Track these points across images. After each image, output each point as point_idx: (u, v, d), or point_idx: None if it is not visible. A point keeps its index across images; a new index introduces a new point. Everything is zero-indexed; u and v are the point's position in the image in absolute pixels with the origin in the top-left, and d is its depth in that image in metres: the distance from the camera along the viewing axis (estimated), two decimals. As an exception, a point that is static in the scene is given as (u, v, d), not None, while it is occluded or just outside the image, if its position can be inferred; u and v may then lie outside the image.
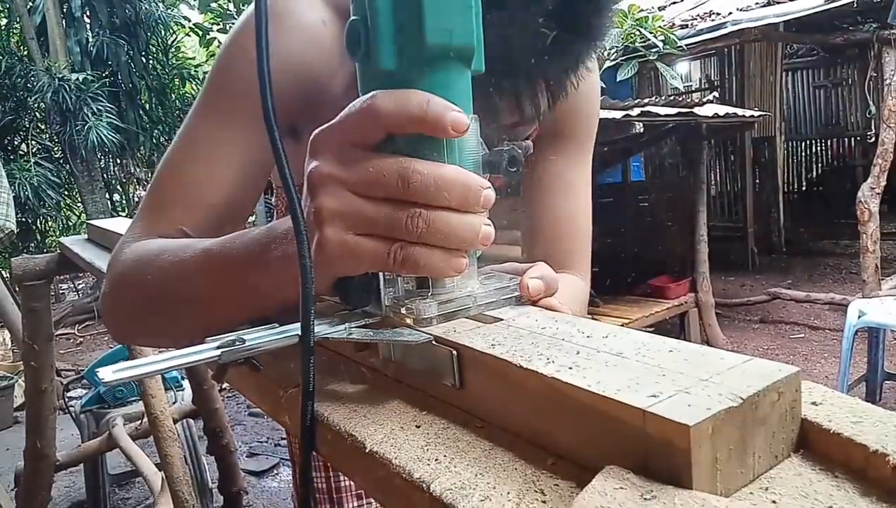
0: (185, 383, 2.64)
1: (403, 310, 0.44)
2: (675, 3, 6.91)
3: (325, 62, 0.69)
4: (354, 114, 0.41)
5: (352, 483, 1.00)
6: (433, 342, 0.40)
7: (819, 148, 9.24)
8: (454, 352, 0.39)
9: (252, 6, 0.58)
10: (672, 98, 4.18)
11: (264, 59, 0.43)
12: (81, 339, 6.41)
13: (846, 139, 8.84)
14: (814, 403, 0.32)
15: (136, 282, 0.63)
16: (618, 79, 5.09)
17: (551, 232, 0.86)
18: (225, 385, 3.70)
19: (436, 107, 0.39)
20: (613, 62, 4.97)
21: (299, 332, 0.41)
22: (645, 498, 0.26)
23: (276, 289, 0.50)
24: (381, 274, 0.44)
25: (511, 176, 0.44)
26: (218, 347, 0.40)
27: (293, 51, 0.67)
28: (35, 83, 7.52)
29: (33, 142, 8.08)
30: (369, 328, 0.44)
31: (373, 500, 0.99)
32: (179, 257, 0.58)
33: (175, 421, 2.03)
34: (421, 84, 0.41)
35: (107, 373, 0.38)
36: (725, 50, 7.27)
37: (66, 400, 2.95)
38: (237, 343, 0.41)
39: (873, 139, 5.64)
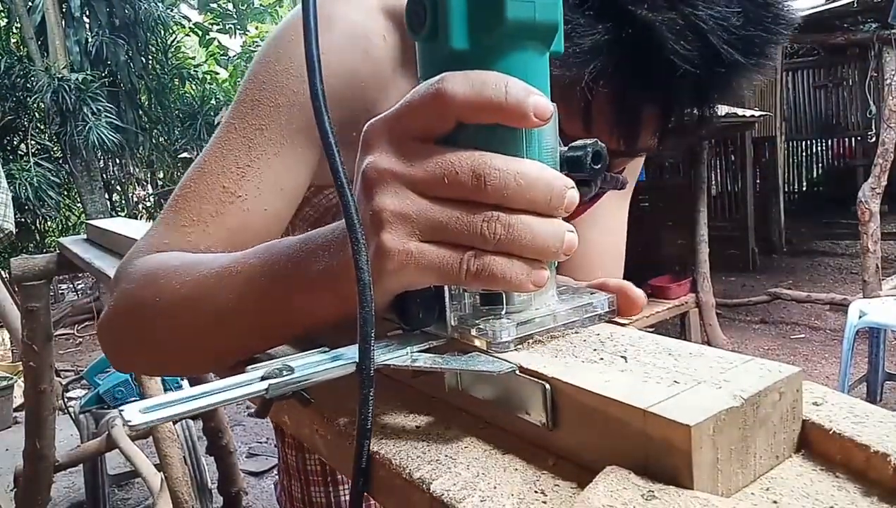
0: (185, 383, 2.64)
1: (474, 332, 0.37)
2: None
3: (377, 75, 0.64)
4: (420, 100, 0.35)
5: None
6: (517, 372, 0.34)
7: (819, 148, 9.24)
8: (547, 386, 0.32)
9: (297, 8, 0.53)
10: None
11: (312, 41, 0.37)
12: (81, 340, 6.41)
13: (847, 139, 8.85)
14: (815, 403, 0.32)
15: (144, 300, 0.55)
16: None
17: (591, 266, 0.81)
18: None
19: (517, 90, 0.33)
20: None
21: (355, 359, 0.35)
22: (646, 499, 0.26)
23: (314, 310, 0.44)
24: (447, 288, 0.38)
25: (595, 174, 0.38)
26: (262, 378, 0.34)
27: (344, 59, 0.62)
28: (34, 83, 7.53)
29: (32, 142, 8.08)
30: (433, 352, 0.38)
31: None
32: (195, 274, 0.51)
33: (174, 422, 2.03)
34: (497, 66, 0.35)
35: (133, 415, 0.31)
36: (725, 50, 7.26)
37: (66, 400, 2.95)
38: (284, 372, 0.35)
39: (874, 139, 5.65)
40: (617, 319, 0.44)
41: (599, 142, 0.38)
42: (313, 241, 0.43)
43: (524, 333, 0.37)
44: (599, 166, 0.38)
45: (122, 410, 0.32)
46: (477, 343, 0.37)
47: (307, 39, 0.37)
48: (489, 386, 0.36)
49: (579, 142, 0.38)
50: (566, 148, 0.38)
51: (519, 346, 0.37)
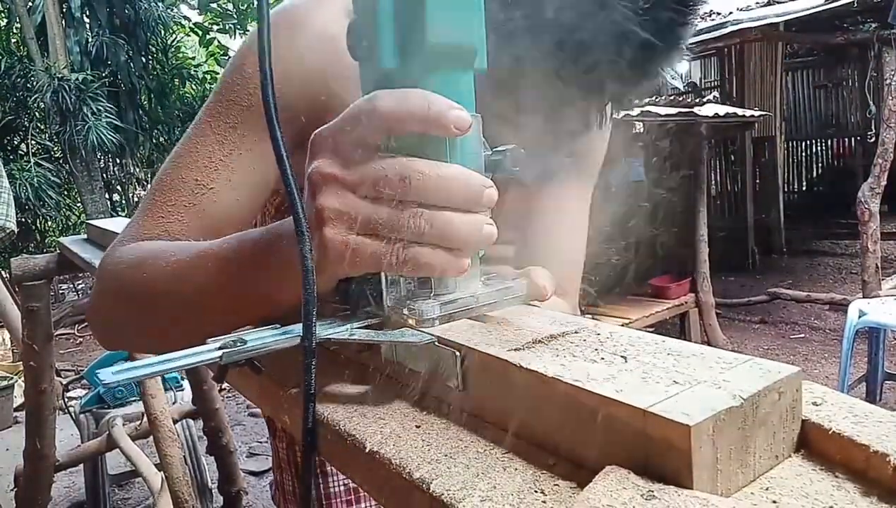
0: (185, 383, 2.64)
1: (406, 311, 0.43)
2: (675, 3, 6.89)
3: (345, 77, 0.67)
4: (356, 114, 0.40)
5: (341, 489, 0.98)
6: (436, 343, 0.40)
7: (819, 148, 9.25)
8: (457, 353, 0.38)
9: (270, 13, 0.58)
10: (672, 98, 4.18)
11: (266, 49, 0.43)
12: (81, 339, 6.41)
13: (846, 139, 8.85)
14: (814, 403, 0.32)
15: (128, 285, 0.61)
16: (618, 79, 5.09)
17: (547, 263, 0.83)
18: (225, 385, 3.70)
19: (438, 105, 0.39)
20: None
21: (301, 333, 0.41)
22: (645, 498, 0.26)
23: (276, 292, 0.50)
24: (383, 274, 0.44)
25: (514, 175, 0.44)
26: (219, 348, 0.40)
27: (312, 62, 0.67)
28: (35, 83, 7.52)
29: (33, 142, 8.08)
30: (372, 329, 0.44)
31: (363, 506, 0.96)
32: (175, 258, 0.57)
33: (175, 422, 2.03)
34: (423, 84, 0.41)
35: (107, 375, 0.37)
36: (726, 50, 7.27)
37: (66, 400, 2.95)
38: (238, 344, 0.40)
39: (873, 139, 5.65)
40: (616, 319, 0.45)
41: (518, 149, 0.44)
42: (275, 232, 0.49)
43: (448, 311, 0.43)
44: (518, 168, 0.44)
45: (98, 373, 0.38)
46: (409, 321, 0.43)
47: (261, 48, 0.43)
48: (418, 357, 0.42)
49: (501, 148, 0.45)
50: (490, 152, 0.45)
51: (522, 348, 0.37)
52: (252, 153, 0.67)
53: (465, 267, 0.42)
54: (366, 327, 0.44)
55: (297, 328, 0.42)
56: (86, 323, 6.77)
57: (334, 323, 0.44)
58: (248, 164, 0.67)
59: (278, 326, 0.43)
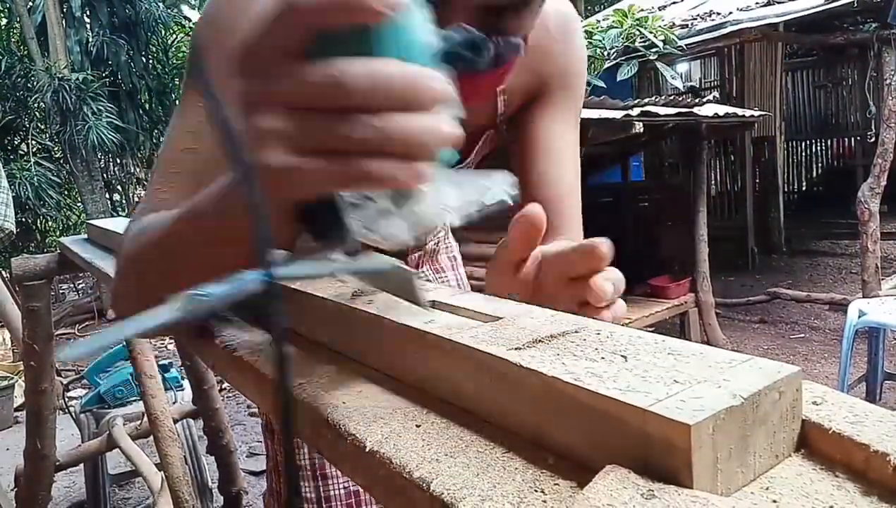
0: (185, 383, 2.64)
1: (373, 236, 0.39)
2: (675, 2, 6.91)
3: None
4: (270, 17, 0.35)
5: (341, 492, 0.95)
6: (401, 265, 0.39)
7: (819, 148, 9.25)
8: (418, 273, 0.38)
9: None
10: (672, 98, 4.18)
11: None
12: (82, 339, 6.40)
13: (846, 139, 8.85)
14: (814, 403, 0.32)
15: (136, 256, 0.64)
16: (618, 78, 5.09)
17: (548, 201, 0.82)
18: (225, 385, 3.70)
19: None
20: (613, 62, 4.97)
21: (257, 276, 0.36)
22: (645, 498, 0.26)
23: (243, 239, 0.46)
24: (338, 197, 0.39)
25: (476, 65, 0.38)
26: (178, 308, 0.36)
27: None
28: (35, 83, 7.53)
29: (33, 142, 8.09)
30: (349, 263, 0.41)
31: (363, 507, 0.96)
32: (161, 225, 0.58)
33: (175, 422, 2.03)
34: None
35: (70, 352, 0.35)
36: (725, 50, 7.28)
37: (66, 400, 2.95)
38: (197, 297, 0.36)
39: (873, 139, 5.65)
40: (617, 319, 0.44)
41: (475, 32, 0.38)
42: (230, 175, 0.46)
43: (417, 228, 0.39)
44: (482, 58, 0.38)
45: (59, 351, 0.36)
46: (379, 246, 0.39)
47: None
48: (384, 280, 0.40)
49: (450, 32, 0.38)
50: (442, 41, 0.38)
51: (522, 348, 0.37)
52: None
53: (427, 175, 0.36)
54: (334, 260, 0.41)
55: (257, 275, 0.38)
56: (86, 323, 6.78)
57: (298, 261, 0.40)
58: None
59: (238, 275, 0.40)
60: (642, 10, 5.08)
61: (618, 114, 3.39)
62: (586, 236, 0.90)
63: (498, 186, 0.42)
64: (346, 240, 0.40)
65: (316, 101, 0.34)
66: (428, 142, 0.35)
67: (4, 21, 8.91)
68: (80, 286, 8.05)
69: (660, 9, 6.30)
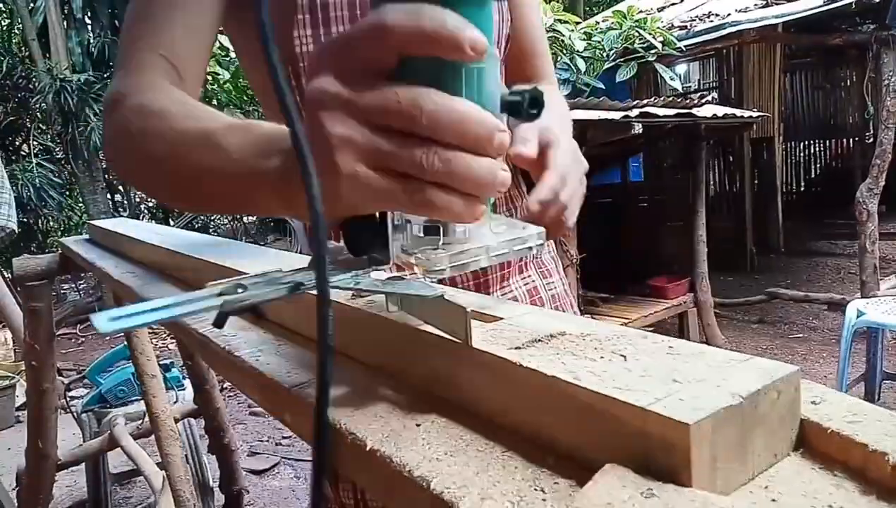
0: (187, 382, 2.64)
1: (412, 260, 0.40)
2: (673, 4, 6.91)
3: None
4: (362, 31, 0.36)
5: (351, 501, 0.90)
6: (444, 297, 0.38)
7: (817, 148, 9.24)
8: (469, 309, 0.37)
9: None
10: (671, 99, 4.18)
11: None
12: (83, 339, 6.41)
13: (845, 140, 8.84)
14: (813, 402, 0.32)
15: (136, 143, 0.62)
16: (617, 80, 5.09)
17: (534, 48, 0.97)
18: (226, 384, 3.70)
19: (453, 22, 0.34)
20: (612, 63, 4.97)
21: (304, 281, 0.38)
22: (645, 497, 0.26)
23: (276, 206, 0.47)
24: (389, 218, 0.41)
25: (531, 118, 0.40)
26: (219, 294, 0.37)
27: None
28: (37, 84, 7.52)
29: (35, 143, 8.08)
30: (380, 283, 0.41)
31: None
32: (181, 128, 0.56)
33: (176, 421, 2.04)
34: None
35: (103, 322, 0.34)
36: (724, 51, 7.27)
37: (68, 399, 2.94)
38: (239, 290, 0.38)
39: (872, 140, 5.66)
40: (616, 319, 0.44)
41: (538, 88, 0.40)
42: (276, 143, 0.46)
43: (457, 263, 0.40)
44: (536, 112, 0.40)
45: (93, 318, 0.35)
46: (415, 270, 0.40)
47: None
48: (424, 308, 0.40)
49: (518, 88, 0.40)
50: (507, 92, 0.40)
51: (522, 347, 0.37)
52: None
53: (481, 214, 0.38)
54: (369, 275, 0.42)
55: (301, 276, 0.39)
56: (87, 323, 6.78)
57: (337, 270, 0.41)
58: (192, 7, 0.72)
59: (281, 270, 0.41)
60: (641, 11, 5.08)
61: (617, 116, 3.39)
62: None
63: (531, 239, 0.44)
64: (385, 258, 0.42)
65: (396, 122, 0.36)
66: (488, 184, 0.37)
67: (6, 22, 8.90)
68: (82, 286, 8.04)
69: (659, 10, 6.30)
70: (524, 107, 0.40)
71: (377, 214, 0.42)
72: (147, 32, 0.70)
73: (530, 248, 0.45)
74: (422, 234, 0.41)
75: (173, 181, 0.59)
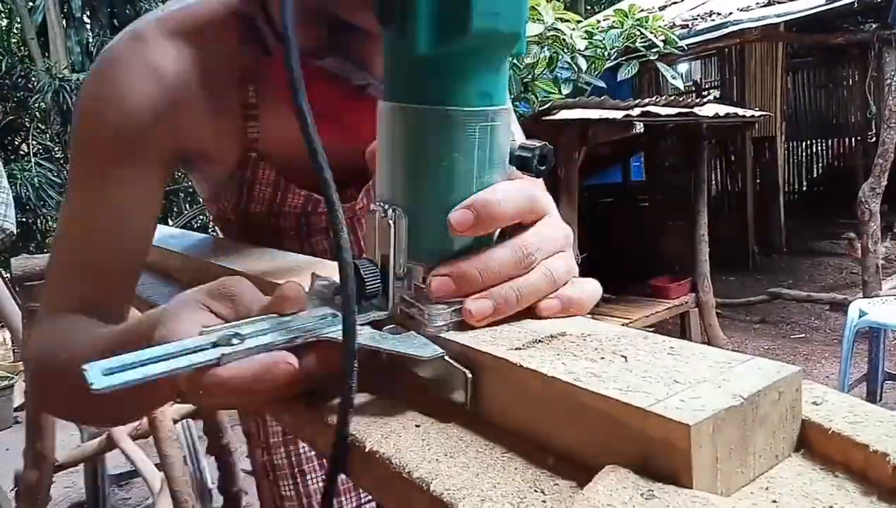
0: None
1: (413, 312, 0.40)
2: (675, 3, 6.91)
3: (181, 96, 0.71)
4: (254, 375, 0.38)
5: (319, 485, 1.00)
6: (445, 358, 0.38)
7: (820, 148, 9.23)
8: (467, 373, 0.37)
9: (89, 73, 0.72)
10: (673, 98, 4.18)
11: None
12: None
13: (847, 139, 8.84)
14: (814, 403, 0.32)
15: (48, 375, 0.66)
16: (618, 79, 5.08)
17: None
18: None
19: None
20: (614, 62, 4.97)
21: (304, 328, 0.38)
22: (645, 498, 0.26)
23: (150, 397, 0.54)
24: (391, 267, 0.41)
25: (539, 175, 0.41)
26: (214, 345, 0.38)
27: (143, 92, 0.70)
28: (36, 83, 7.52)
29: (34, 143, 8.08)
30: (374, 327, 0.41)
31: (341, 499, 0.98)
32: (78, 354, 0.57)
33: (175, 422, 2.03)
34: (459, 70, 0.38)
35: (97, 379, 0.34)
36: (726, 50, 7.27)
37: (67, 400, 2.94)
38: (234, 341, 0.38)
39: (874, 139, 5.65)
40: (617, 319, 0.44)
41: (548, 145, 0.41)
42: (149, 316, 0.49)
43: (458, 319, 0.40)
44: (544, 168, 0.41)
45: (87, 376, 0.35)
46: (416, 323, 0.40)
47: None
48: (423, 365, 0.39)
49: (528, 143, 0.41)
50: (517, 146, 0.41)
51: (522, 348, 0.37)
52: (132, 173, 0.71)
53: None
54: (370, 322, 0.41)
55: (299, 321, 0.40)
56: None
57: (335, 316, 0.41)
58: (131, 201, 0.71)
59: (276, 315, 0.41)
60: (643, 10, 5.07)
61: (618, 115, 3.38)
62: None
63: None
64: (385, 306, 0.42)
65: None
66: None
67: (5, 21, 8.91)
68: (81, 286, 8.03)
69: (660, 9, 6.29)
70: (534, 164, 0.41)
71: (379, 261, 0.42)
72: (71, 271, 0.71)
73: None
74: (424, 286, 0.41)
75: (83, 409, 0.65)
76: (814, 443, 0.31)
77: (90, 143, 0.71)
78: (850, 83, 8.45)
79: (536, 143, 0.41)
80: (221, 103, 0.74)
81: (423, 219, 0.40)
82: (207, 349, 0.38)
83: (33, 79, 7.64)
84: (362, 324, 0.40)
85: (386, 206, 0.40)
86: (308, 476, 0.98)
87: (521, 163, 0.41)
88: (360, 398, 0.43)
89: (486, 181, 0.40)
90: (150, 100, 0.70)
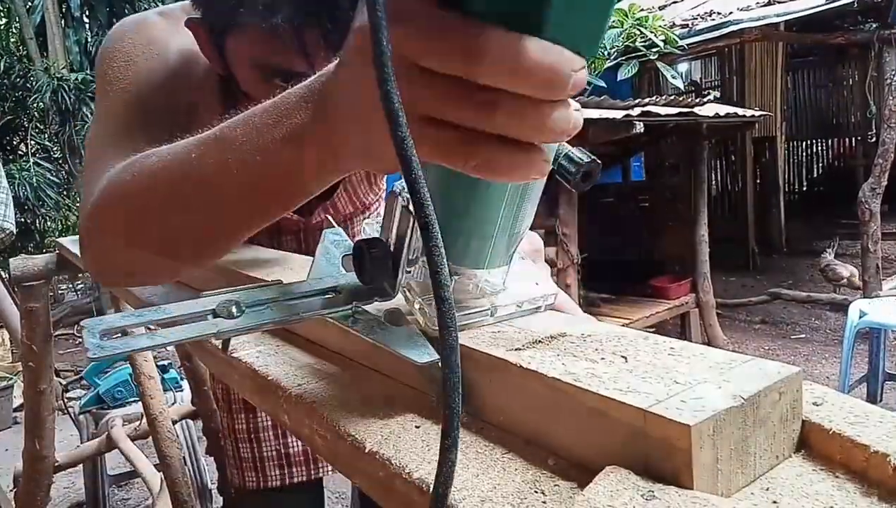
0: (184, 384, 2.64)
1: (417, 306, 0.39)
2: (675, 2, 6.90)
3: (187, 67, 0.81)
4: (451, 47, 0.30)
5: (273, 453, 1.18)
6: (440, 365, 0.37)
7: (820, 148, 9.24)
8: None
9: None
10: (672, 98, 4.18)
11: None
12: (81, 340, 6.40)
13: (847, 139, 8.84)
14: (814, 403, 0.32)
15: (125, 198, 0.55)
16: (618, 78, 5.09)
17: None
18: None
19: (563, 69, 0.29)
20: (614, 62, 4.97)
21: (301, 308, 0.37)
22: (646, 499, 0.26)
23: (284, 181, 0.42)
24: (404, 249, 0.39)
25: (578, 187, 0.38)
26: (214, 314, 0.36)
27: (163, 39, 0.82)
28: (34, 83, 7.53)
29: (32, 142, 8.08)
30: (376, 325, 0.40)
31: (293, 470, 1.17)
32: (174, 153, 0.50)
33: (174, 422, 2.03)
34: None
35: (94, 346, 0.33)
36: (726, 50, 7.27)
37: (66, 400, 2.95)
38: (234, 310, 0.36)
39: (874, 139, 5.65)
40: (617, 320, 0.44)
41: (597, 161, 0.38)
42: (284, 102, 0.41)
43: (461, 322, 0.39)
44: (586, 184, 0.38)
45: (86, 342, 0.34)
46: (418, 318, 0.39)
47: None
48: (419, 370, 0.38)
49: (578, 156, 0.37)
50: (563, 153, 0.37)
51: (522, 349, 0.37)
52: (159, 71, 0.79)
53: (546, 172, 0.33)
54: (370, 320, 0.40)
55: (297, 285, 0.38)
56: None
57: (335, 297, 0.40)
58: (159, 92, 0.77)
59: (281, 280, 0.39)
60: (643, 9, 5.07)
61: (618, 114, 3.38)
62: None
63: (540, 299, 0.43)
64: (391, 290, 0.40)
65: (451, 65, 0.30)
66: (562, 133, 0.31)
67: (3, 21, 8.91)
68: (79, 287, 8.04)
69: (660, 9, 6.29)
70: (577, 179, 0.37)
71: (391, 244, 0.40)
72: (110, 147, 0.70)
73: (538, 308, 0.43)
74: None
75: (179, 206, 0.51)
76: (814, 444, 0.31)
77: (116, 63, 0.78)
78: (851, 83, 8.45)
79: (586, 158, 0.37)
80: (202, 101, 0.81)
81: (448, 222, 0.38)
82: (208, 318, 0.36)
83: (32, 78, 7.64)
84: (364, 305, 0.40)
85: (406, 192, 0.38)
86: (263, 444, 1.15)
87: (562, 173, 0.37)
88: (360, 397, 0.43)
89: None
90: (168, 50, 0.80)
